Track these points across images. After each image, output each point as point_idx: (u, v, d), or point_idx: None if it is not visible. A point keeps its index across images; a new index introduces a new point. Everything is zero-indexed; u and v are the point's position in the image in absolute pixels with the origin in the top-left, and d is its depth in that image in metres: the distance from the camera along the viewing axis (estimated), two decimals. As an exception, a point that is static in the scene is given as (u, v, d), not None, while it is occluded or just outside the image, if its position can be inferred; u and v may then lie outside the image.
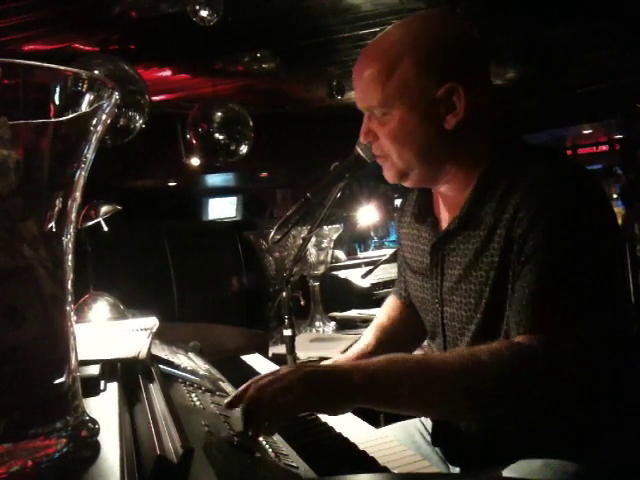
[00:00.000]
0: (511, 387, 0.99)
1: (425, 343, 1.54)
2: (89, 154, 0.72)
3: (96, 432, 0.68)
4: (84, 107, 0.68)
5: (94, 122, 0.69)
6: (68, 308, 0.70)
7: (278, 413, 0.95)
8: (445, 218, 1.29)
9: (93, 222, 2.25)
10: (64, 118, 0.66)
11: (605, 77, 6.33)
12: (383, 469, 0.95)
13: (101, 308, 2.09)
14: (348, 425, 1.16)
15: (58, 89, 0.65)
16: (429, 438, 1.35)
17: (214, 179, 8.68)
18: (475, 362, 0.98)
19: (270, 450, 0.91)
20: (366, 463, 0.97)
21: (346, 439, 1.08)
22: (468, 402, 0.99)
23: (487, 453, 1.16)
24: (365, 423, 1.15)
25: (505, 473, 1.08)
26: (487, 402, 1.00)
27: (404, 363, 1.00)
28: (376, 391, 0.98)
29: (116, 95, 0.70)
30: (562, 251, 1.04)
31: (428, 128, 1.17)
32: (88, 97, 0.67)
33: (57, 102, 0.66)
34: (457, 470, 1.26)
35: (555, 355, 0.98)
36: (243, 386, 1.00)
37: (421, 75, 1.14)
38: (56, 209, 0.70)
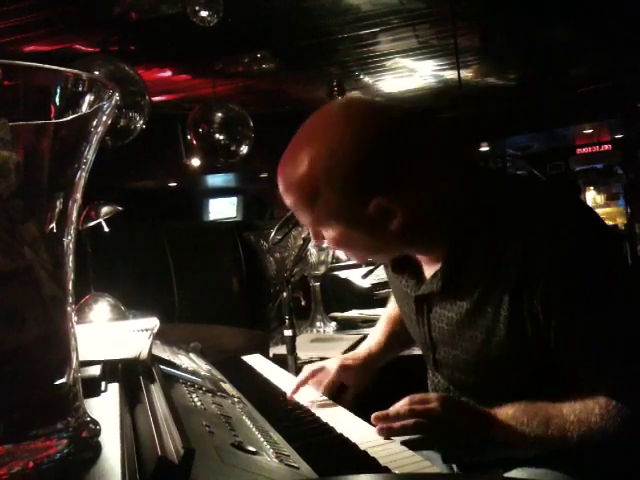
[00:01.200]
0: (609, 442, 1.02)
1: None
2: (89, 155, 0.72)
3: (97, 433, 0.68)
4: (84, 108, 0.68)
5: (94, 123, 0.69)
6: (69, 309, 0.70)
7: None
8: (427, 267, 1.22)
9: (94, 223, 2.25)
10: (64, 119, 0.67)
11: (605, 77, 6.33)
12: (384, 469, 0.95)
13: (102, 309, 2.09)
14: (349, 426, 1.16)
15: (58, 90, 0.65)
16: None
17: (214, 180, 8.68)
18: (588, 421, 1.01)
19: (271, 450, 0.91)
20: (367, 463, 0.97)
21: (347, 439, 1.08)
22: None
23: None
24: (366, 424, 1.15)
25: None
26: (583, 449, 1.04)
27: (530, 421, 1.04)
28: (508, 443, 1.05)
29: (116, 96, 0.70)
30: (603, 307, 1.02)
31: (373, 236, 1.12)
32: (88, 98, 0.67)
33: (57, 103, 0.66)
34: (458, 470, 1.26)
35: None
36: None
37: (344, 200, 1.08)
38: (56, 210, 0.70)
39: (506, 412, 1.05)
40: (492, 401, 1.08)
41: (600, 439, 1.01)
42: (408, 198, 1.08)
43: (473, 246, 1.09)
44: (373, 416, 1.08)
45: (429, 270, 1.20)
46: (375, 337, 1.58)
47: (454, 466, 1.27)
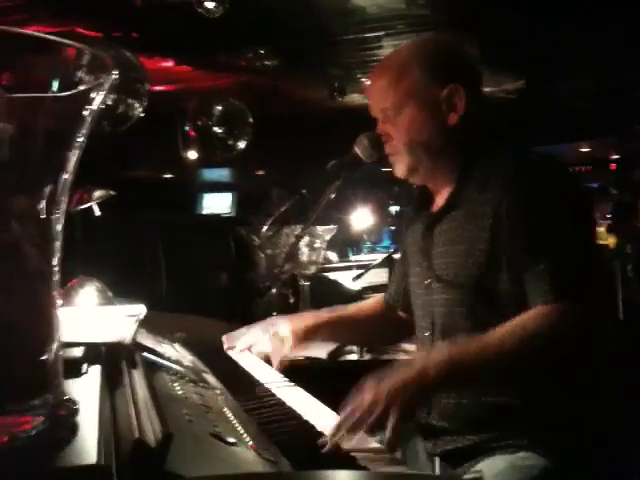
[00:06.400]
0: (554, 346, 1.15)
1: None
2: (84, 133, 0.71)
3: (75, 412, 0.67)
4: (81, 84, 0.67)
5: (91, 99, 0.68)
6: (54, 287, 0.69)
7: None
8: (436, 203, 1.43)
9: (86, 206, 2.23)
10: (60, 94, 0.66)
11: (604, 96, 6.35)
12: (362, 468, 0.95)
13: (89, 293, 2.07)
14: (325, 418, 1.16)
15: (56, 63, 0.64)
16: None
17: (210, 174, 8.66)
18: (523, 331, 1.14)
19: (250, 443, 0.91)
20: (346, 462, 0.97)
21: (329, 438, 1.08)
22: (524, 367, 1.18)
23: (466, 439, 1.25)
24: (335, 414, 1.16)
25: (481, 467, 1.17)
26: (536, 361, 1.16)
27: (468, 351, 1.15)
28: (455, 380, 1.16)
29: (114, 74, 0.70)
30: (564, 232, 1.21)
31: (434, 124, 1.35)
32: (85, 74, 0.67)
33: (54, 77, 0.65)
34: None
35: (582, 317, 1.15)
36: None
37: (427, 79, 1.33)
38: (47, 187, 0.69)
39: (440, 351, 1.19)
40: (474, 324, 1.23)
41: (542, 342, 1.13)
42: (470, 101, 1.32)
43: (474, 170, 1.32)
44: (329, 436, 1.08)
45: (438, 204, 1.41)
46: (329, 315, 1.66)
47: (436, 459, 1.28)
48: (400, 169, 1.39)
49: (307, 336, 1.58)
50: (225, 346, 1.68)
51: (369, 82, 1.45)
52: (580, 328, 1.16)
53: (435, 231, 1.37)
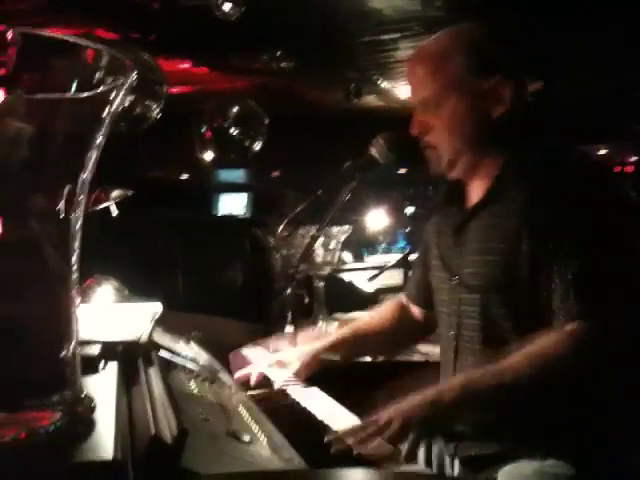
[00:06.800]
0: (573, 371, 1.11)
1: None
2: (102, 134, 0.72)
3: (92, 409, 0.68)
4: (100, 85, 0.68)
5: (109, 100, 0.69)
6: (72, 285, 0.70)
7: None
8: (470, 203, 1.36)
9: (103, 205, 2.25)
10: (79, 95, 0.67)
11: (621, 98, 6.28)
12: (376, 467, 0.95)
13: (105, 292, 2.09)
14: (347, 424, 1.16)
15: (76, 65, 0.65)
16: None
17: (226, 175, 8.68)
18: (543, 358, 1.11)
19: (265, 441, 0.91)
20: (360, 461, 0.97)
21: (342, 438, 1.08)
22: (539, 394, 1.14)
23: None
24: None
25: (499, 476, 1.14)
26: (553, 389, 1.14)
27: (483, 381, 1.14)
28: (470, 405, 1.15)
29: (133, 76, 0.70)
30: (599, 244, 1.15)
31: (477, 116, 1.28)
32: (105, 75, 0.67)
33: (74, 78, 0.66)
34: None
35: (605, 342, 1.11)
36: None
37: (471, 69, 1.26)
38: (66, 187, 0.70)
39: (458, 378, 1.18)
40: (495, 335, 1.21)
41: (560, 370, 1.11)
42: (516, 94, 1.26)
43: (510, 180, 1.25)
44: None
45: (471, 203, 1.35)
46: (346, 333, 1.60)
47: (456, 461, 1.28)
48: (437, 164, 1.33)
49: (315, 364, 1.51)
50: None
51: (407, 70, 1.36)
52: (602, 355, 1.11)
53: (469, 227, 1.32)
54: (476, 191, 1.34)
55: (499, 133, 1.28)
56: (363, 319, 1.68)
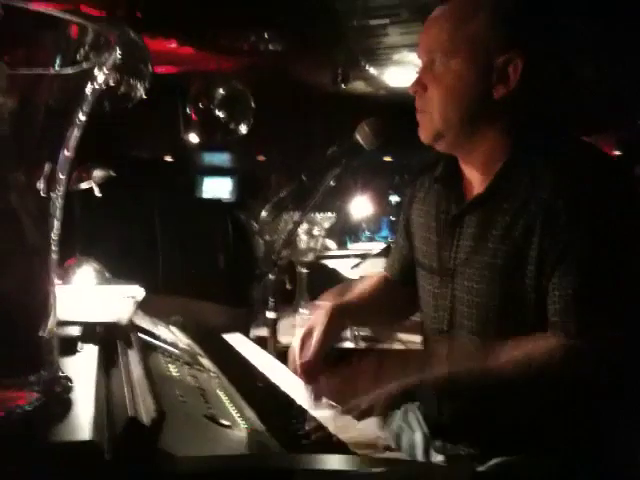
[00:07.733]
0: (559, 385, 1.09)
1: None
2: (85, 111, 0.71)
3: (70, 389, 0.67)
4: (84, 62, 0.67)
5: (93, 77, 0.68)
6: (51, 264, 0.69)
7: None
8: (470, 192, 1.29)
9: (86, 186, 2.22)
10: (62, 70, 0.65)
11: (605, 91, 6.32)
12: (354, 454, 0.95)
13: (86, 273, 2.07)
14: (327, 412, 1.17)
15: (59, 40, 0.64)
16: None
17: (211, 158, 8.62)
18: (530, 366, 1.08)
19: (244, 426, 0.91)
20: (338, 447, 0.98)
21: (321, 424, 1.08)
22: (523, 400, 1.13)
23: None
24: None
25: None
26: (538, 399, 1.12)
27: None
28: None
29: (117, 52, 0.69)
30: (604, 254, 1.08)
31: (478, 90, 1.19)
32: (89, 51, 0.66)
33: (57, 53, 0.64)
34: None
35: (601, 357, 1.07)
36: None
37: (491, 33, 1.17)
38: (47, 163, 0.69)
39: (441, 371, 1.14)
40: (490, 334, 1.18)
41: (546, 381, 1.08)
42: (524, 78, 1.17)
43: (516, 174, 1.18)
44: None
45: (470, 194, 1.28)
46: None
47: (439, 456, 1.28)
48: (425, 133, 1.26)
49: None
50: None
51: (426, 24, 1.27)
52: (593, 371, 1.08)
53: (465, 219, 1.25)
54: (475, 177, 1.28)
55: (495, 116, 1.20)
56: (357, 288, 1.54)
